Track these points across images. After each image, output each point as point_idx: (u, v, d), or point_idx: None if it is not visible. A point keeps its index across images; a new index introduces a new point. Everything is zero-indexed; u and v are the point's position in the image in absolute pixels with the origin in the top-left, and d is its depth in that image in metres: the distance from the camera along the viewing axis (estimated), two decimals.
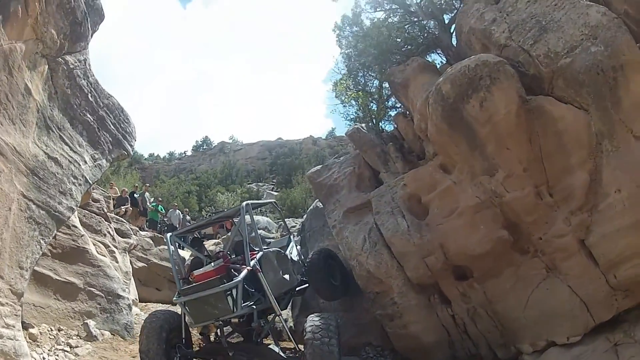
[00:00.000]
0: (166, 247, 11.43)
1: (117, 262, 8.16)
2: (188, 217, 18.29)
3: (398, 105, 9.16)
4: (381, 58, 8.12)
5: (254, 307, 5.53)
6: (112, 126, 6.78)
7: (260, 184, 35.61)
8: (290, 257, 6.91)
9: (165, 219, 16.35)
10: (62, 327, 6.16)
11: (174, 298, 5.86)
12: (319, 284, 6.80)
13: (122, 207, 13.01)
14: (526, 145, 4.70)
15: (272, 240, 9.33)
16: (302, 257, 7.46)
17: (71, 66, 5.87)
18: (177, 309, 6.40)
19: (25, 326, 5.42)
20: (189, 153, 46.12)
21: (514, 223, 5.07)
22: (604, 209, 4.48)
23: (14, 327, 4.78)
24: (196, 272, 5.61)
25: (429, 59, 8.07)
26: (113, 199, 11.85)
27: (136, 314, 8.15)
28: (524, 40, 4.92)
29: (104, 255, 7.77)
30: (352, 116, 10.08)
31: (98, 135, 6.47)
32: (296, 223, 14.65)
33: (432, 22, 7.90)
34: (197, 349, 6.42)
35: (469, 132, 4.98)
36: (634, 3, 4.44)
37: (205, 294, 5.30)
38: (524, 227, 5.02)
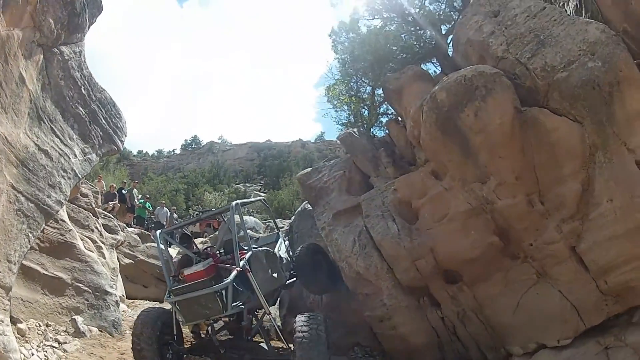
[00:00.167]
0: (153, 244, 11.41)
1: (104, 258, 8.07)
2: (175, 215, 18.20)
3: (390, 112, 9.30)
4: (376, 65, 8.23)
5: (243, 306, 5.56)
6: (103, 120, 6.71)
7: (247, 184, 35.43)
8: (279, 254, 6.98)
9: (152, 217, 16.22)
10: (50, 323, 6.06)
11: (165, 297, 5.85)
12: (306, 278, 6.89)
13: (110, 202, 12.88)
14: (519, 155, 4.79)
15: (260, 236, 9.29)
16: (291, 254, 7.52)
17: (66, 57, 5.81)
18: (168, 306, 6.38)
19: (13, 321, 5.31)
20: (177, 151, 45.72)
21: (505, 229, 5.16)
22: (595, 218, 4.59)
23: (2, 322, 4.69)
24: (186, 272, 5.59)
25: (424, 68, 8.19)
26: (101, 193, 11.72)
27: (123, 311, 8.07)
28: (522, 54, 5.03)
29: (92, 251, 7.66)
30: (343, 121, 10.20)
31: (89, 129, 6.41)
32: (284, 224, 14.63)
33: (429, 32, 8.03)
34: (189, 345, 6.41)
35: (462, 140, 5.06)
36: (633, 21, 4.58)
37: (196, 294, 5.33)
38: (514, 234, 5.11)
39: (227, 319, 5.81)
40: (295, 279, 7.06)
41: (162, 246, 6.22)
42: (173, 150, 46.24)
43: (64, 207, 6.82)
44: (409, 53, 8.10)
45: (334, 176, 7.45)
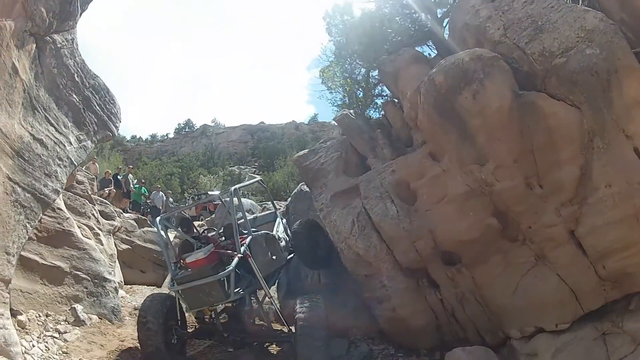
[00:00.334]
0: (150, 229, 11.45)
1: (102, 244, 8.09)
2: (171, 199, 18.21)
3: (384, 93, 9.26)
4: (371, 47, 8.13)
5: (245, 292, 5.75)
6: (97, 107, 6.63)
7: (242, 167, 35.32)
8: (278, 235, 7.06)
9: (148, 201, 16.22)
10: (49, 313, 6.09)
11: (169, 286, 5.96)
12: (302, 253, 7.04)
13: (106, 189, 12.84)
14: (517, 138, 4.81)
15: (257, 215, 9.35)
16: (289, 232, 7.64)
17: (59, 45, 5.69)
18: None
19: (13, 313, 5.32)
20: (171, 135, 45.31)
21: (503, 212, 5.19)
22: (593, 203, 4.62)
23: (2, 315, 4.69)
24: (188, 259, 5.65)
25: (420, 51, 8.12)
26: (96, 178, 11.69)
27: (122, 297, 8.13)
28: (519, 38, 5.01)
29: (89, 238, 7.67)
30: (338, 102, 10.13)
31: (83, 116, 6.33)
32: (280, 206, 14.69)
33: (424, 15, 7.93)
34: (193, 329, 6.53)
35: (460, 123, 5.07)
36: (631, 11, 4.56)
37: (200, 283, 5.43)
38: (513, 216, 5.14)
39: (229, 304, 5.89)
40: (293, 254, 7.21)
41: (162, 232, 6.26)
42: (167, 135, 45.83)
43: (61, 195, 6.79)
44: (403, 36, 8.01)
45: (331, 157, 7.43)
